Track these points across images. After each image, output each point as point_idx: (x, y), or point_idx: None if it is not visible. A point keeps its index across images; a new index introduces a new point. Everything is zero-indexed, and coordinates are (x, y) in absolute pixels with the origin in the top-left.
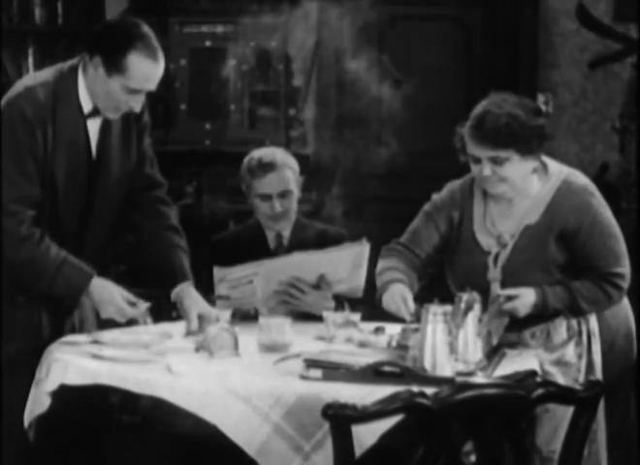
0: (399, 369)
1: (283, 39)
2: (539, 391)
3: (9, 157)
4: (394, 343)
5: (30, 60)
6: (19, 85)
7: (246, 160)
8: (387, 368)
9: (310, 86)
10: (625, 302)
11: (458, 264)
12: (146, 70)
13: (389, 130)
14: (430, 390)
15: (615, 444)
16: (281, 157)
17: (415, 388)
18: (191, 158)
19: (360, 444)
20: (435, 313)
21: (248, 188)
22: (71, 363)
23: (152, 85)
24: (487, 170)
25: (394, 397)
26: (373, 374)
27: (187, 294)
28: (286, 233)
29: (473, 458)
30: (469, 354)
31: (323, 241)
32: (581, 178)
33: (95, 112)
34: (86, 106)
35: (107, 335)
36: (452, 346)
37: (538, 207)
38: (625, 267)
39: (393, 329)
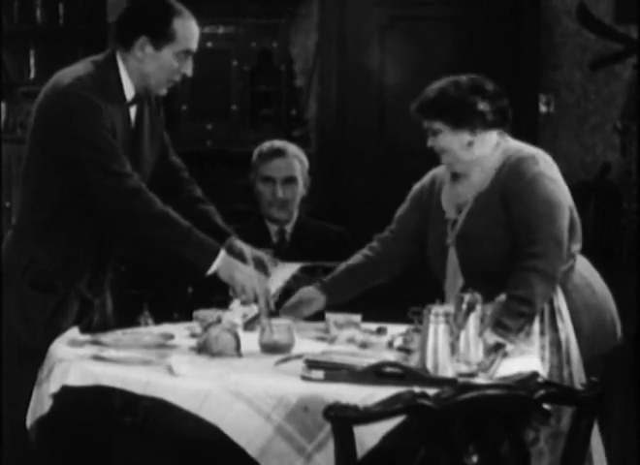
0: (400, 370)
1: (285, 39)
2: (541, 392)
3: (94, 134)
4: (395, 343)
5: (32, 61)
6: (65, 77)
7: (258, 148)
8: (389, 369)
9: (312, 87)
10: (600, 288)
11: (430, 237)
12: (190, 29)
13: (389, 129)
14: (431, 391)
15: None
16: (293, 148)
17: (417, 389)
18: (193, 158)
19: (362, 445)
20: (437, 314)
21: (255, 173)
22: (72, 364)
23: (195, 44)
24: (429, 141)
25: (395, 398)
26: (375, 375)
27: (238, 244)
28: (289, 229)
29: (475, 459)
30: (471, 354)
31: (325, 239)
32: (530, 149)
33: (135, 100)
34: (129, 93)
35: (108, 336)
36: (454, 347)
37: (489, 175)
38: (545, 230)
39: (395, 330)
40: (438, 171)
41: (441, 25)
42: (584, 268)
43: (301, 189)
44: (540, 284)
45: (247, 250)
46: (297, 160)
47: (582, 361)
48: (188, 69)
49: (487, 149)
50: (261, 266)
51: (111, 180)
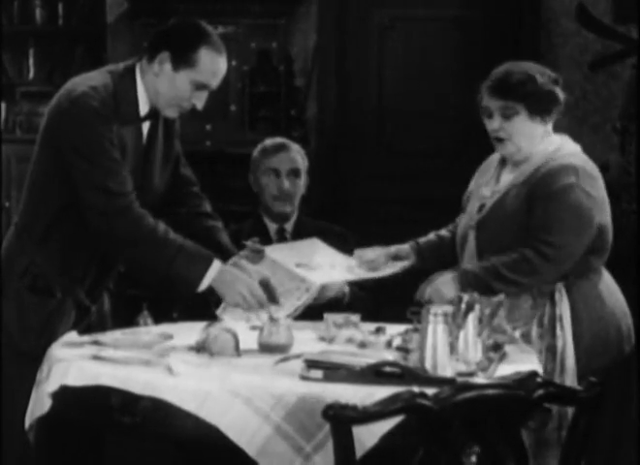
0: (399, 370)
1: (284, 40)
2: (540, 392)
3: (96, 149)
4: (394, 343)
5: (31, 61)
6: (80, 85)
7: (260, 145)
8: (388, 369)
9: (312, 87)
10: (611, 302)
11: (463, 216)
12: (215, 65)
13: (388, 130)
14: (430, 391)
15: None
16: (295, 145)
17: (416, 389)
18: (191, 159)
19: (361, 444)
20: (436, 313)
21: (257, 168)
22: (71, 364)
23: (217, 82)
24: (495, 123)
25: (394, 398)
26: (374, 375)
27: (242, 265)
28: (289, 228)
29: (474, 459)
30: (470, 354)
31: (325, 240)
32: (578, 159)
33: (149, 115)
34: (143, 108)
35: (107, 336)
36: (452, 346)
37: (528, 170)
38: (563, 238)
39: (394, 330)
40: (492, 159)
41: (441, 26)
42: (601, 282)
43: (303, 185)
44: (533, 270)
45: (252, 270)
46: (299, 155)
47: (577, 372)
48: (200, 102)
49: (543, 144)
50: (266, 288)
51: (99, 199)
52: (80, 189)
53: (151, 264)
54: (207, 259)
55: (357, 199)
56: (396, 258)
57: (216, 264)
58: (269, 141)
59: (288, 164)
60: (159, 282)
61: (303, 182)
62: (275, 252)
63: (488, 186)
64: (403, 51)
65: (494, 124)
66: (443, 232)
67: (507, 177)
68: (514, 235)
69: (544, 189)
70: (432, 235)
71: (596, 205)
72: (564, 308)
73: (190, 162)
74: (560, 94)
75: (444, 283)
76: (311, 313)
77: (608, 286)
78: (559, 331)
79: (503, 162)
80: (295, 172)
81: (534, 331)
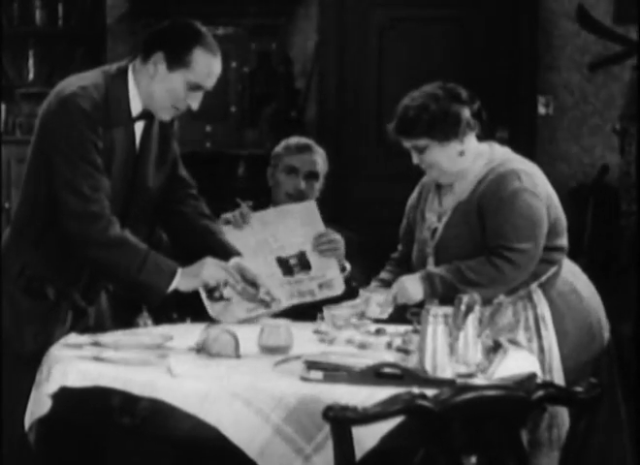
0: (399, 371)
1: (284, 41)
2: (539, 393)
3: (77, 151)
4: (394, 344)
5: (31, 62)
6: (70, 85)
7: (284, 142)
8: (388, 370)
9: (311, 88)
10: (586, 293)
11: (414, 246)
12: (210, 65)
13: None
14: (430, 392)
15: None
16: (319, 148)
17: (416, 390)
18: (191, 160)
19: (360, 446)
20: (436, 315)
21: (277, 164)
22: (71, 365)
23: (212, 82)
24: (414, 158)
25: (394, 399)
26: (374, 376)
27: (243, 263)
28: None
29: (474, 460)
30: (470, 355)
31: None
32: (514, 163)
33: (142, 116)
34: (135, 109)
35: (107, 337)
36: (452, 347)
37: (471, 185)
38: (524, 244)
39: (394, 331)
40: (425, 180)
41: (440, 27)
42: (569, 273)
43: (318, 190)
44: (498, 274)
45: (254, 271)
46: (321, 159)
47: (563, 368)
48: (195, 103)
49: (469, 159)
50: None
51: (75, 203)
52: (57, 189)
53: (122, 269)
54: (172, 266)
55: (357, 199)
56: (362, 315)
57: (179, 272)
58: (294, 140)
59: (308, 165)
60: (126, 287)
61: (319, 186)
62: (264, 227)
63: (432, 211)
64: (403, 52)
65: (413, 159)
66: (384, 275)
67: (449, 198)
68: (472, 252)
69: (492, 198)
70: (374, 283)
71: (543, 203)
72: (544, 308)
73: (190, 163)
74: (463, 110)
75: (411, 282)
76: (312, 313)
77: (579, 278)
78: (543, 332)
79: (439, 186)
80: (313, 175)
81: (521, 336)
